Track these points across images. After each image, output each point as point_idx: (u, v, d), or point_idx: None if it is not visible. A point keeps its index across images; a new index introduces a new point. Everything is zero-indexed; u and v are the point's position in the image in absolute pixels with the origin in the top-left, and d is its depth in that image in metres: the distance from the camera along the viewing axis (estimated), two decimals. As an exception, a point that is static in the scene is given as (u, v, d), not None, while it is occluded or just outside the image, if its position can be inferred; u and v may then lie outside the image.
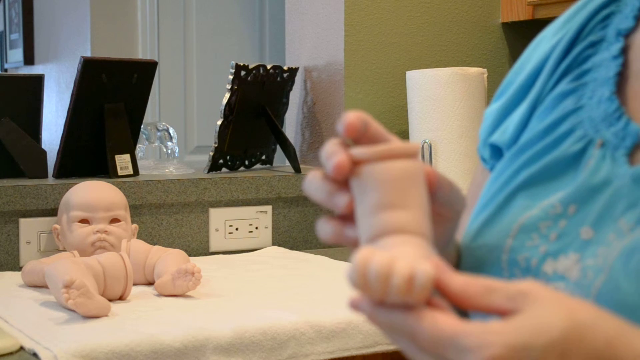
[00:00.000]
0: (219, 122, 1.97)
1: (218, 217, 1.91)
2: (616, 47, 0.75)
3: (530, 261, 0.69)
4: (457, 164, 1.97)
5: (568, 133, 0.73)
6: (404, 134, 2.15)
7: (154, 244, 1.84)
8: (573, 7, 0.81)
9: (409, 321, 0.56)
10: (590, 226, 0.68)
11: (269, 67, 2.03)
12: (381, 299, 0.56)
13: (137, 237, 1.78)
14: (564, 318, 0.56)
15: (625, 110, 0.72)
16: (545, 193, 0.71)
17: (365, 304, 0.58)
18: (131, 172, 1.88)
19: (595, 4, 0.79)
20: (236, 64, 1.95)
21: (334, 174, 0.65)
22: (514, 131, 0.78)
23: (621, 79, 0.74)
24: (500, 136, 0.80)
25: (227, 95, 1.96)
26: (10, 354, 1.16)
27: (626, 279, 0.63)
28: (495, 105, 0.83)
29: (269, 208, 1.97)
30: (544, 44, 0.81)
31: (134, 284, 1.51)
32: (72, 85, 1.79)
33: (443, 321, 0.55)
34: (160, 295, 1.47)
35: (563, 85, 0.76)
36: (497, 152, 0.81)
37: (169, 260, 1.53)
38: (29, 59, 4.31)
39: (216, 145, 1.98)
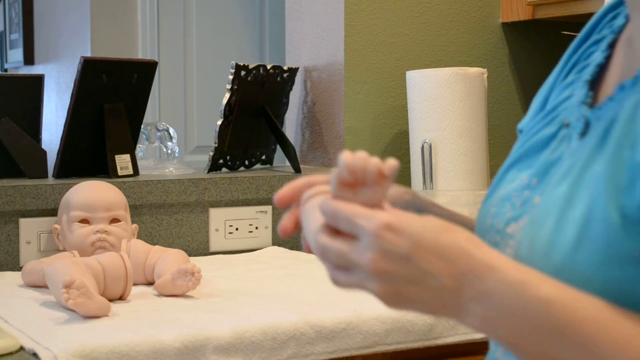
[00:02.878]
0: (219, 122, 1.97)
1: (218, 217, 1.91)
2: (605, 42, 0.86)
3: (500, 224, 0.83)
4: (457, 164, 1.97)
5: (554, 118, 0.86)
6: (404, 134, 2.15)
7: (154, 244, 1.84)
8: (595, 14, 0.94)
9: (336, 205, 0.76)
10: (539, 194, 0.81)
11: (269, 67, 2.03)
12: (357, 183, 0.77)
13: (137, 237, 1.78)
14: (437, 221, 0.74)
15: (597, 96, 0.83)
16: (523, 169, 0.85)
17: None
18: (131, 172, 1.88)
19: (606, 6, 0.89)
20: (236, 64, 1.95)
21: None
22: (528, 118, 0.92)
23: (604, 70, 0.85)
24: (522, 122, 0.94)
25: (227, 95, 1.96)
26: (10, 354, 1.16)
27: (543, 233, 0.77)
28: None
29: (269, 208, 1.97)
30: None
31: (134, 284, 1.51)
32: (72, 85, 1.79)
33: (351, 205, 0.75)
34: (160, 295, 1.47)
35: (570, 77, 0.88)
36: None
37: (169, 260, 1.53)
38: (29, 59, 4.31)
39: (216, 145, 1.98)
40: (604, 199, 0.72)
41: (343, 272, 0.75)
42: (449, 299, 0.72)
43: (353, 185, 0.77)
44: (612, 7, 0.88)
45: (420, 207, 0.98)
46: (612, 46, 0.85)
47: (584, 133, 0.80)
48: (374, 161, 0.76)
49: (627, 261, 0.70)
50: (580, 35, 0.90)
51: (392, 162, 0.76)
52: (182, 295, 1.46)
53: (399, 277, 0.72)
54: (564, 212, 0.75)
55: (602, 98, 0.82)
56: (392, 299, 0.74)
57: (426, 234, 0.72)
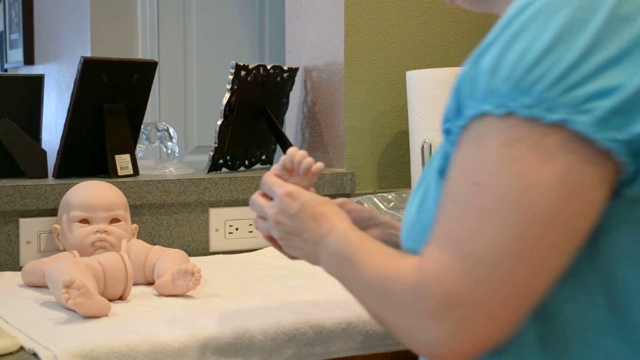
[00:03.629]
0: (219, 122, 1.97)
1: (218, 217, 1.91)
2: None
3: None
4: (457, 164, 1.97)
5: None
6: (404, 134, 2.15)
7: (154, 244, 1.84)
8: None
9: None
10: None
11: (269, 67, 2.03)
12: (293, 171, 1.15)
13: (137, 237, 1.78)
14: (321, 197, 1.10)
15: None
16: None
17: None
18: (131, 172, 1.88)
19: None
20: (236, 64, 1.95)
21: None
22: None
23: None
24: None
25: (227, 95, 1.96)
26: (10, 354, 1.16)
27: (407, 209, 1.02)
28: None
29: (269, 208, 1.96)
30: None
31: (134, 284, 1.51)
32: (72, 85, 1.79)
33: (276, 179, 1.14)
34: (160, 295, 1.47)
35: None
36: None
37: (169, 260, 1.53)
38: (29, 59, 4.31)
39: (216, 145, 1.98)
40: (441, 157, 0.92)
41: (261, 220, 1.14)
42: (312, 249, 1.05)
43: (290, 171, 1.15)
44: None
45: (376, 220, 1.30)
46: None
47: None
48: (308, 160, 1.14)
49: None
50: None
51: (319, 165, 1.14)
52: (182, 295, 1.46)
53: (288, 228, 1.09)
54: (418, 185, 0.99)
55: None
56: (285, 245, 1.11)
57: (310, 203, 1.07)
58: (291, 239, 1.09)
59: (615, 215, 0.83)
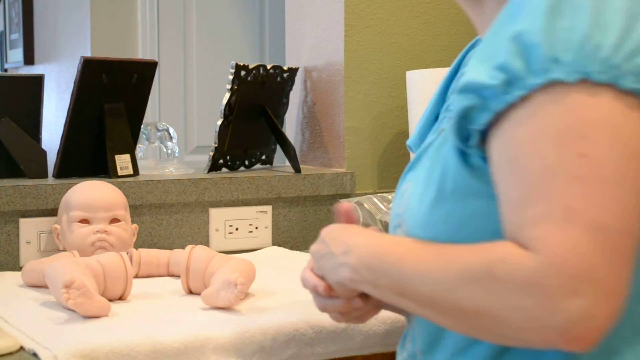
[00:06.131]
0: (219, 122, 1.97)
1: (218, 217, 1.91)
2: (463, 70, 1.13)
3: (399, 210, 1.08)
4: (457, 164, 1.97)
5: (436, 130, 1.11)
6: (404, 134, 2.15)
7: (154, 244, 1.84)
8: (462, 51, 1.26)
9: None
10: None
11: (269, 67, 2.03)
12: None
13: (137, 237, 1.79)
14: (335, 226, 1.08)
15: None
16: (414, 169, 1.09)
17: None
18: (131, 172, 1.88)
19: (469, 46, 1.27)
20: (236, 64, 1.95)
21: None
22: (414, 135, 1.19)
23: None
24: (409, 139, 1.21)
25: (227, 95, 1.96)
26: (10, 354, 1.16)
27: (408, 197, 1.03)
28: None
29: (269, 208, 1.97)
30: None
31: (192, 292, 1.47)
32: (72, 85, 1.79)
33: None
34: (161, 295, 1.47)
35: (448, 102, 1.14)
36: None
37: (226, 268, 1.43)
38: (29, 59, 4.31)
39: (216, 145, 1.98)
40: (454, 156, 0.93)
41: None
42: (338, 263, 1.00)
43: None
44: (473, 46, 1.20)
45: None
46: None
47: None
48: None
49: (472, 195, 0.93)
50: (452, 69, 1.21)
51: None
52: (182, 296, 1.45)
53: (318, 253, 1.05)
54: (427, 178, 0.98)
55: None
56: (319, 269, 1.05)
57: (330, 230, 1.06)
58: (322, 263, 1.05)
59: None
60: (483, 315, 0.84)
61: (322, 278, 1.05)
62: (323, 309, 1.08)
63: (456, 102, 0.90)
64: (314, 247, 1.07)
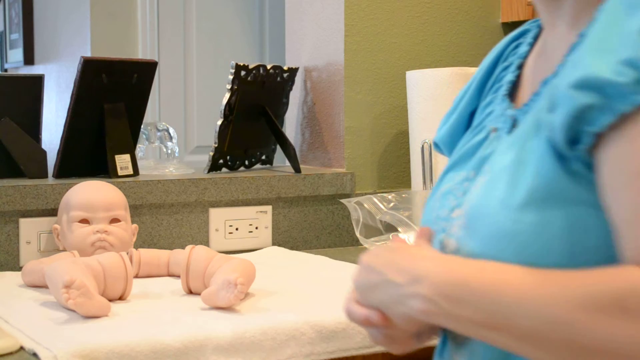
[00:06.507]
0: (219, 122, 1.97)
1: (218, 217, 1.91)
2: (515, 64, 1.04)
3: (444, 213, 0.97)
4: (457, 164, 1.97)
5: (481, 129, 1.02)
6: (404, 134, 2.15)
7: (154, 244, 1.84)
8: (495, 47, 1.13)
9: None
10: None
11: (269, 67, 2.03)
12: None
13: (137, 237, 1.79)
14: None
15: (513, 106, 0.99)
16: (460, 169, 1.01)
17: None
18: (131, 172, 1.88)
19: (508, 38, 1.10)
20: (236, 64, 1.95)
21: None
22: (446, 132, 1.11)
23: (516, 87, 1.02)
24: (438, 135, 1.13)
25: (227, 95, 1.96)
26: (10, 354, 1.16)
27: (477, 199, 0.91)
28: (445, 114, 1.14)
29: (269, 208, 1.97)
30: (475, 71, 1.12)
31: (192, 292, 1.47)
32: (72, 85, 1.79)
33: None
34: (160, 296, 1.47)
35: (487, 98, 1.06)
36: (440, 147, 1.15)
37: (226, 268, 1.43)
38: (29, 59, 4.31)
39: (216, 145, 1.98)
40: (548, 157, 0.83)
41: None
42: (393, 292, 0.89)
43: None
44: (514, 39, 1.08)
45: None
46: (519, 68, 1.04)
47: (512, 129, 0.96)
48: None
49: (573, 203, 0.82)
50: (488, 65, 1.10)
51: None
52: (182, 296, 1.45)
53: (367, 283, 0.93)
54: (513, 175, 0.87)
55: (520, 104, 0.98)
56: (368, 301, 0.93)
57: (380, 256, 0.93)
58: (373, 293, 0.93)
59: None
60: (604, 352, 0.74)
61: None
62: (379, 341, 0.97)
63: (568, 100, 0.79)
64: (358, 277, 0.94)
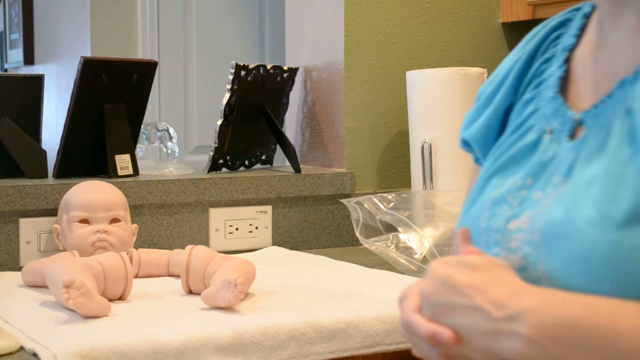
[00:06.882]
0: (219, 122, 1.97)
1: (218, 217, 1.91)
2: (561, 58, 0.95)
3: (499, 224, 0.89)
4: (457, 164, 1.97)
5: (529, 129, 0.94)
6: (404, 134, 2.15)
7: (154, 244, 1.84)
8: (531, 32, 1.01)
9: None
10: (540, 190, 0.87)
11: (269, 67, 2.03)
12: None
13: (137, 238, 1.79)
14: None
15: (569, 105, 0.91)
16: (510, 174, 0.92)
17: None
18: (131, 172, 1.88)
19: (547, 28, 1.00)
20: (236, 64, 1.95)
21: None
22: (479, 129, 1.01)
23: (565, 83, 0.94)
24: (469, 132, 1.03)
25: (227, 95, 1.96)
26: (10, 354, 1.16)
27: (558, 214, 0.82)
28: (472, 109, 1.04)
29: (269, 208, 1.97)
30: (507, 61, 1.01)
31: (192, 292, 1.46)
32: (72, 85, 1.79)
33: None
34: (160, 296, 1.47)
35: (527, 94, 0.97)
36: (468, 145, 1.04)
37: (226, 268, 1.43)
38: (29, 59, 4.31)
39: (216, 145, 1.98)
40: None
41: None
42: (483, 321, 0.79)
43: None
44: (554, 29, 0.99)
45: None
46: (566, 62, 0.95)
47: (573, 133, 0.89)
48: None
49: None
50: (526, 57, 0.99)
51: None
52: (182, 296, 1.45)
53: (444, 302, 0.83)
54: (607, 190, 0.78)
55: (580, 104, 0.90)
56: (437, 317, 0.84)
57: (466, 277, 0.83)
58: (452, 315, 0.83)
59: None
60: None
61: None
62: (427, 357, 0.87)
63: None
64: (431, 290, 0.83)
